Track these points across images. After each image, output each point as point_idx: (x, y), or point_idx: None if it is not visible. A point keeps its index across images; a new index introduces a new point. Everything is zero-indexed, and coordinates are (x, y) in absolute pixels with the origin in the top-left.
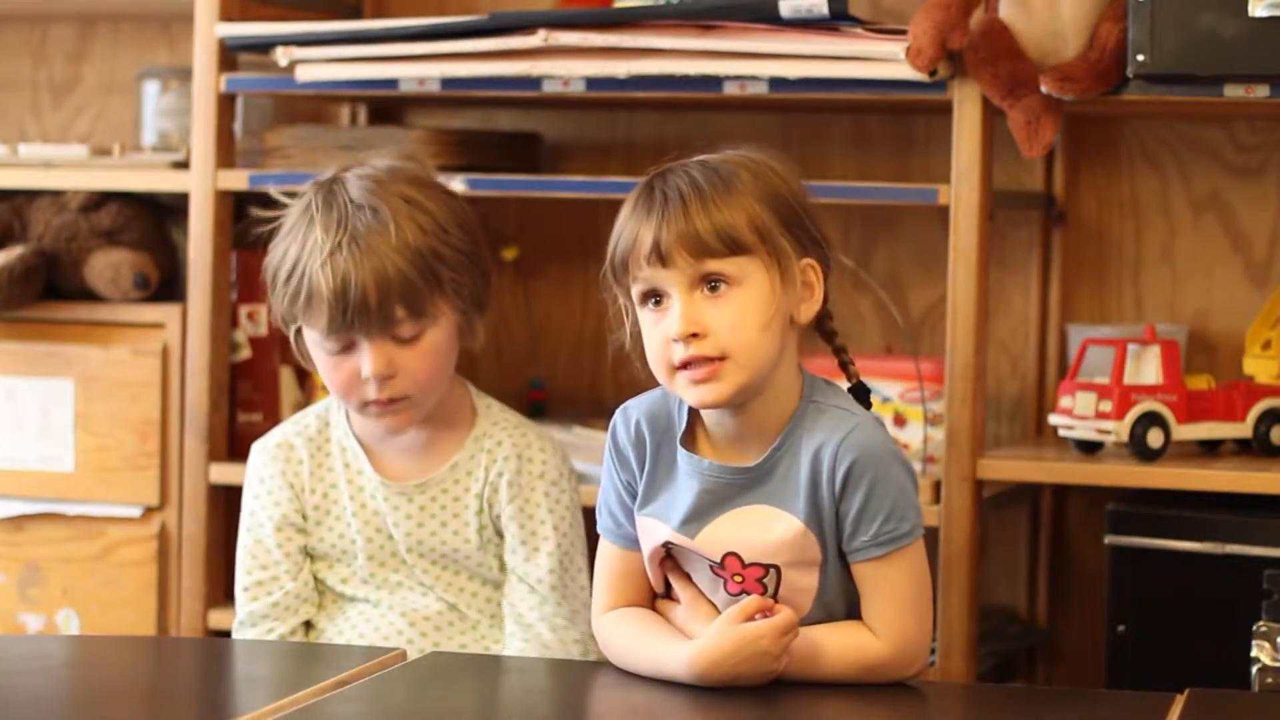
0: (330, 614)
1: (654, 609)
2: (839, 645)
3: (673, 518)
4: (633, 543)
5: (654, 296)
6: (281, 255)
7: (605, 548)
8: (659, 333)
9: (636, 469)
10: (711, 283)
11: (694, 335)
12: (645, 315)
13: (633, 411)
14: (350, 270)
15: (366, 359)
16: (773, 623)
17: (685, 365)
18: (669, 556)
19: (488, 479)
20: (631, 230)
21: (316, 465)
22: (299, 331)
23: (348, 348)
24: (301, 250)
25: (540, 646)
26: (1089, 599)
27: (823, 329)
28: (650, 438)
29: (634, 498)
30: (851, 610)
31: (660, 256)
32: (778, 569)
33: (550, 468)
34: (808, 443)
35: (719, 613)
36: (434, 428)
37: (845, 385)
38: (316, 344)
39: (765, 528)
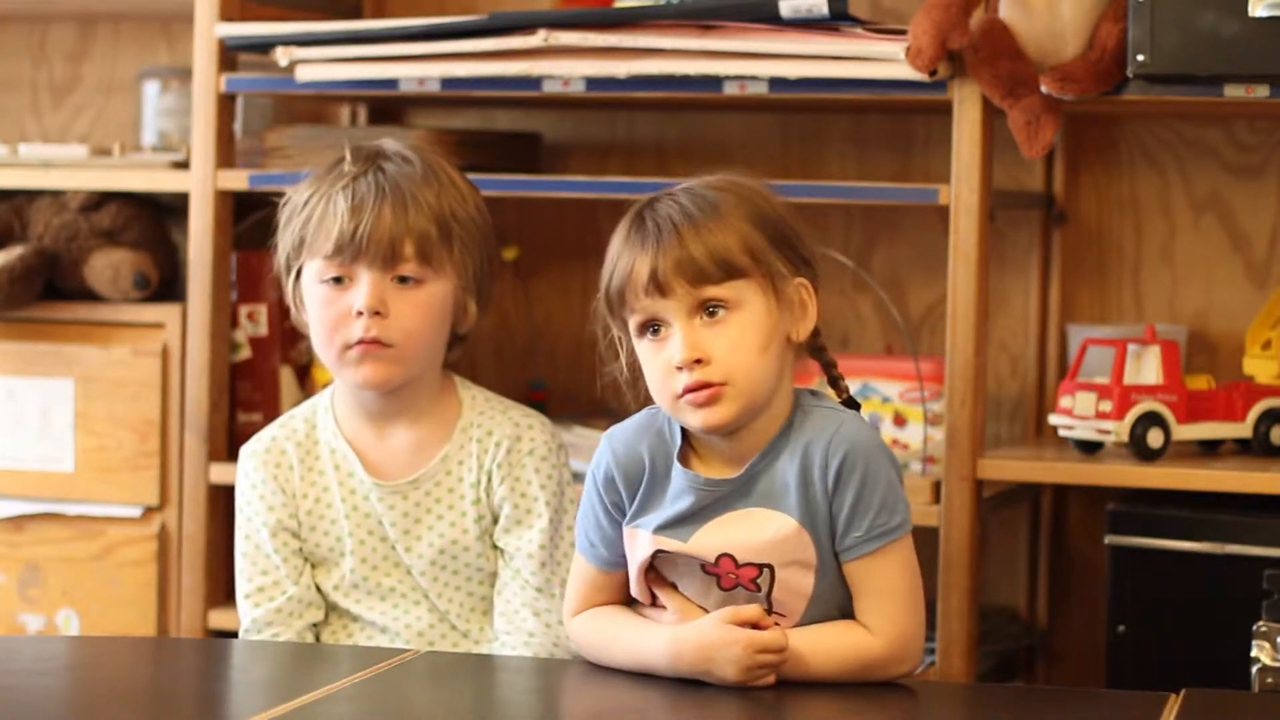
0: (332, 631)
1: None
2: (835, 645)
3: (665, 526)
4: (610, 565)
5: (653, 326)
6: (301, 190)
7: (581, 563)
8: (660, 362)
9: (626, 493)
10: (710, 308)
11: (697, 361)
12: (644, 346)
13: (620, 438)
14: (369, 196)
15: (363, 290)
16: (751, 635)
17: (688, 391)
18: (652, 568)
19: (482, 467)
20: (626, 262)
21: (307, 470)
22: (298, 275)
23: (345, 281)
24: (323, 181)
25: (525, 635)
26: (1089, 599)
27: (813, 346)
28: (647, 459)
29: (617, 523)
30: (845, 615)
31: (659, 286)
32: (771, 569)
33: (539, 444)
34: (795, 443)
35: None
36: (421, 423)
37: (837, 400)
38: (313, 279)
39: (759, 528)
